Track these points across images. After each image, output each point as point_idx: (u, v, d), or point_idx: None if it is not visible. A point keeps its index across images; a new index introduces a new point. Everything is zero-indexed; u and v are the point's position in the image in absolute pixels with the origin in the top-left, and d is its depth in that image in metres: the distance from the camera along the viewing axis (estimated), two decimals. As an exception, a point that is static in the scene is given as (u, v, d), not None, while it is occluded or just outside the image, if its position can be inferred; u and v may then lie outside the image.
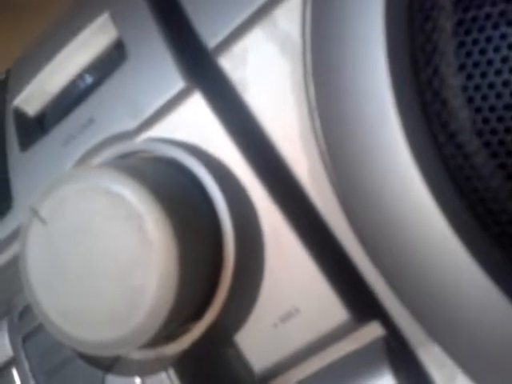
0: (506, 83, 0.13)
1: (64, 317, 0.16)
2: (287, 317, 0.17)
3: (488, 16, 0.13)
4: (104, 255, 0.15)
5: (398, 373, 0.16)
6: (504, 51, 0.12)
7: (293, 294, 0.17)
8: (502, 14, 0.13)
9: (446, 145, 0.13)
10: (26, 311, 0.19)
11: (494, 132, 0.13)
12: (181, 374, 0.17)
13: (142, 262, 0.15)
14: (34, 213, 0.16)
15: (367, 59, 0.13)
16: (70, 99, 0.21)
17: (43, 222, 0.16)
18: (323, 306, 0.17)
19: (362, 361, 0.17)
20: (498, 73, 0.13)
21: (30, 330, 0.19)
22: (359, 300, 0.17)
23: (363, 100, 0.13)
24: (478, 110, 0.13)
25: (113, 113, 0.19)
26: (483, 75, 0.13)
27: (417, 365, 0.16)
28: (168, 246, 0.14)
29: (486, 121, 0.13)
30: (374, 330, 0.17)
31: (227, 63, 0.17)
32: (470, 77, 0.13)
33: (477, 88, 0.13)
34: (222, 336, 0.17)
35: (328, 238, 0.17)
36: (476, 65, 0.13)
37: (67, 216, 0.15)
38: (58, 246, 0.16)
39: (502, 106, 0.13)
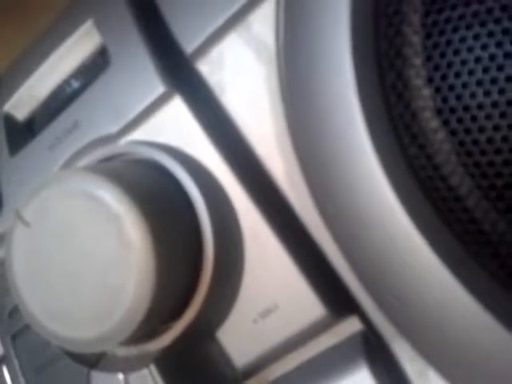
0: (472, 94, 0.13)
1: (49, 316, 0.16)
2: (267, 313, 0.18)
3: (447, 20, 0.13)
4: (85, 256, 0.16)
5: (375, 366, 0.17)
6: (463, 54, 0.13)
7: (272, 291, 0.18)
8: (461, 17, 0.13)
9: (409, 146, 0.14)
10: (15, 310, 0.20)
11: (453, 133, 0.13)
12: (162, 370, 0.18)
13: (121, 262, 0.15)
14: (19, 216, 0.16)
15: (334, 64, 0.14)
16: (57, 104, 0.22)
17: (27, 224, 0.16)
18: (301, 302, 0.17)
19: (340, 355, 0.18)
20: (458, 75, 0.13)
21: (19, 329, 0.20)
22: (337, 296, 0.17)
23: (331, 104, 0.14)
24: (440, 111, 0.13)
25: (96, 117, 0.19)
26: (444, 78, 0.13)
27: (392, 358, 0.17)
28: (145, 247, 0.15)
29: (446, 122, 0.13)
30: (352, 325, 0.18)
31: (205, 67, 0.18)
32: (430, 80, 0.13)
33: (437, 90, 0.13)
34: (203, 332, 0.18)
35: (305, 236, 0.17)
36: (437, 68, 0.13)
37: (50, 219, 0.16)
38: (41, 248, 0.16)
39: (462, 107, 0.13)
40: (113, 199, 0.15)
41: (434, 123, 0.13)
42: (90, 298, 0.16)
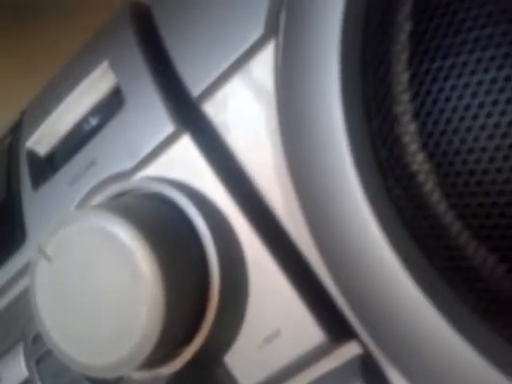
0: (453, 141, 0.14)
1: (69, 343, 0.18)
2: (270, 339, 0.19)
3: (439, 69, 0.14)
4: (102, 288, 0.17)
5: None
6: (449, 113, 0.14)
7: (275, 318, 0.19)
8: (452, 66, 0.14)
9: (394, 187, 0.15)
10: (39, 336, 0.21)
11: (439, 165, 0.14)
12: (175, 392, 0.19)
13: (134, 294, 0.16)
14: (41, 251, 0.18)
15: (325, 111, 0.15)
16: (77, 140, 0.23)
17: (49, 259, 0.18)
18: (302, 328, 0.18)
19: (339, 378, 0.19)
20: (449, 122, 0.14)
21: (43, 353, 0.21)
22: (337, 322, 0.18)
23: (323, 149, 0.15)
24: (425, 145, 0.14)
25: (112, 154, 0.21)
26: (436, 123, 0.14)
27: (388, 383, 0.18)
28: (156, 280, 0.16)
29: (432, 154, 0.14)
30: (351, 349, 0.19)
31: (210, 108, 0.19)
32: (417, 114, 0.14)
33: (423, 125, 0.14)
34: (211, 357, 0.19)
35: (305, 265, 0.18)
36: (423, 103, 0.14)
37: (69, 254, 0.17)
38: (62, 281, 0.18)
39: (453, 151, 0.14)
40: (125, 235, 0.17)
41: (416, 167, 0.14)
42: (106, 327, 0.17)
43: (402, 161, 0.15)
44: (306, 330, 0.18)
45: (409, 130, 0.15)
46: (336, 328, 0.18)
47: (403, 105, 0.15)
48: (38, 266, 0.18)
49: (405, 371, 0.15)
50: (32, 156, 0.24)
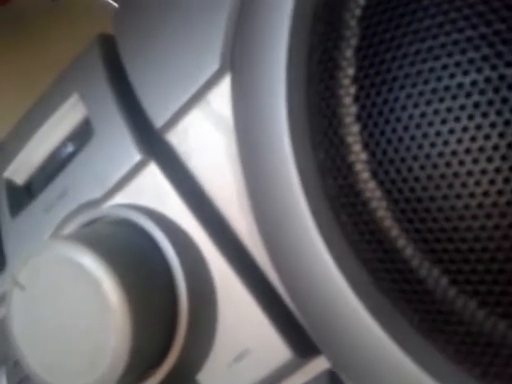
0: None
1: (44, 369, 0.18)
2: (240, 357, 0.19)
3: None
4: (72, 316, 0.18)
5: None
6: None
7: (243, 337, 0.19)
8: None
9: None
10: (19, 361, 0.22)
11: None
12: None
13: (101, 322, 0.17)
14: (14, 280, 0.19)
15: (274, 140, 0.16)
16: (53, 168, 0.24)
17: (22, 287, 0.19)
18: (270, 346, 0.19)
19: (308, 395, 0.19)
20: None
21: (24, 377, 0.22)
22: (304, 339, 0.19)
23: (274, 177, 0.16)
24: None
25: (82, 184, 0.21)
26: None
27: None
28: (122, 310, 0.17)
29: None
30: (319, 364, 0.19)
31: (173, 138, 0.20)
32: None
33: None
34: (183, 376, 0.20)
35: (270, 286, 0.19)
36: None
37: (41, 282, 0.18)
38: (35, 309, 0.18)
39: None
40: (92, 265, 0.17)
41: (368, 194, 0.15)
42: (77, 353, 0.18)
43: (353, 188, 0.15)
44: (274, 348, 0.19)
45: (359, 159, 0.16)
46: (303, 345, 0.19)
47: (352, 136, 0.16)
48: (12, 295, 0.19)
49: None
50: (10, 185, 0.25)
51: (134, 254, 0.19)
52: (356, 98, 0.16)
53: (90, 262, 0.17)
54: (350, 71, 0.16)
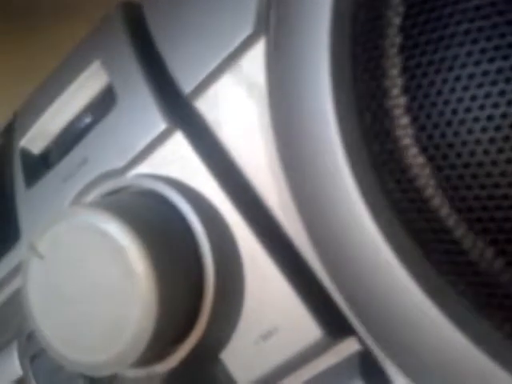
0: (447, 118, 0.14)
1: (62, 342, 0.18)
2: (267, 335, 0.19)
3: (430, 63, 0.14)
4: (94, 286, 0.17)
5: (370, 385, 0.18)
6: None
7: (272, 314, 0.18)
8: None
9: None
10: (33, 334, 0.21)
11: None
12: (170, 390, 0.19)
13: (126, 291, 0.16)
14: (33, 249, 0.18)
15: (316, 106, 0.15)
16: (71, 138, 0.23)
17: (41, 256, 0.18)
18: (300, 324, 0.18)
19: (338, 375, 0.18)
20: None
21: (37, 351, 0.21)
22: (335, 318, 0.18)
23: (314, 145, 0.15)
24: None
25: (104, 153, 0.20)
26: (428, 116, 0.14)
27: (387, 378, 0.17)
28: (148, 277, 0.16)
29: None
30: (350, 346, 0.19)
31: (202, 106, 0.19)
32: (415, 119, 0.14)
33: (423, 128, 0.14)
34: (207, 354, 0.19)
35: (302, 262, 0.18)
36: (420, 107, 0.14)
37: (61, 251, 0.17)
38: (54, 279, 0.18)
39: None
40: (117, 232, 0.17)
41: (409, 161, 0.14)
42: (99, 325, 0.17)
43: (396, 155, 0.15)
44: (304, 327, 0.18)
45: (401, 124, 0.15)
46: (334, 324, 0.18)
47: (394, 99, 0.15)
48: (30, 264, 0.18)
49: (403, 368, 0.15)
50: (26, 155, 0.24)
51: (159, 224, 0.18)
52: (399, 59, 0.15)
53: (116, 230, 0.17)
54: (397, 40, 0.15)
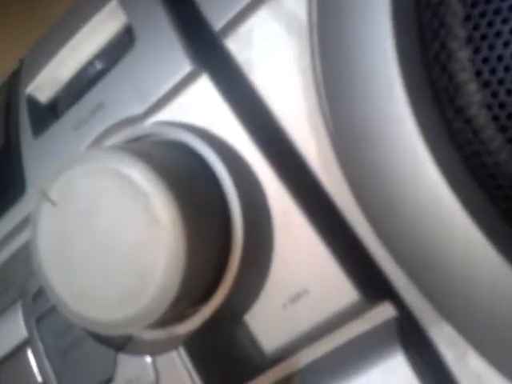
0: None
1: (76, 298, 0.16)
2: (297, 297, 0.17)
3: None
4: (113, 235, 0.15)
5: (410, 353, 0.16)
6: (512, 23, 0.12)
7: (302, 275, 0.17)
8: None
9: (454, 120, 0.13)
10: (40, 293, 0.20)
11: (502, 105, 0.12)
12: (191, 352, 0.17)
13: (150, 241, 0.15)
14: (44, 195, 0.16)
15: (374, 36, 0.13)
16: (81, 86, 0.22)
17: (53, 203, 0.16)
18: (333, 286, 0.17)
19: (373, 342, 0.17)
20: (506, 45, 0.12)
21: (44, 312, 0.19)
22: (370, 280, 0.17)
23: (370, 78, 0.13)
24: (486, 84, 0.13)
25: (121, 97, 0.19)
26: (491, 48, 0.13)
27: (428, 344, 0.16)
28: (175, 226, 0.15)
29: (494, 94, 0.12)
30: (385, 311, 0.17)
31: (233, 45, 0.17)
32: (477, 50, 0.13)
33: (485, 61, 0.13)
34: (231, 316, 0.17)
35: (337, 218, 0.17)
36: (483, 37, 0.13)
37: (76, 197, 0.16)
38: (67, 227, 0.16)
39: (511, 79, 0.12)
40: (141, 177, 0.15)
41: (479, 96, 0.13)
42: (118, 278, 0.15)
43: (456, 88, 0.13)
44: (337, 289, 0.17)
45: (460, 57, 0.13)
46: (370, 287, 0.17)
47: (455, 29, 0.13)
48: (40, 212, 0.16)
49: (457, 324, 0.13)
50: (32, 103, 0.22)
51: (185, 171, 0.16)
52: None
53: (139, 174, 0.15)
54: None
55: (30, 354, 0.20)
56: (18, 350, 0.20)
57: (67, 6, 0.24)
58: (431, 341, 0.16)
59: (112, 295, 0.15)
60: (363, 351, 0.17)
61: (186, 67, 0.18)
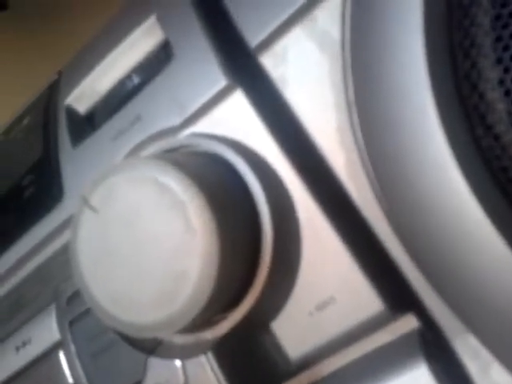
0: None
1: (111, 300, 0.17)
2: (323, 306, 0.18)
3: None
4: (150, 241, 0.16)
5: (433, 364, 0.17)
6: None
7: (329, 284, 0.18)
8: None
9: (483, 137, 0.14)
10: (74, 297, 0.20)
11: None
12: (219, 357, 0.18)
13: (186, 247, 0.15)
14: (85, 201, 0.17)
15: (406, 56, 0.14)
16: (119, 98, 0.22)
17: (94, 210, 0.17)
18: (359, 296, 0.17)
19: (396, 352, 0.17)
20: (534, 66, 0.13)
21: (77, 315, 0.20)
22: (394, 291, 0.17)
23: (402, 96, 0.14)
24: (514, 102, 0.13)
25: (159, 110, 0.20)
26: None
27: (451, 356, 0.16)
28: (210, 233, 0.15)
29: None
30: (409, 322, 0.18)
31: (268, 61, 0.18)
32: (507, 70, 0.13)
33: (513, 81, 0.13)
34: (259, 322, 0.18)
35: (364, 229, 0.17)
36: (513, 58, 0.13)
37: (117, 204, 0.16)
38: (107, 233, 0.17)
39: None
40: (178, 186, 0.16)
41: (508, 114, 0.13)
42: (154, 283, 0.16)
43: (487, 106, 0.14)
44: (363, 298, 0.17)
45: (491, 77, 0.14)
46: (395, 297, 0.17)
47: (486, 49, 0.14)
48: (81, 217, 0.17)
49: (484, 336, 0.14)
50: (71, 113, 0.23)
51: (218, 182, 0.17)
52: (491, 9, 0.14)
53: (177, 183, 0.16)
54: None
55: (62, 356, 0.21)
56: (51, 352, 0.21)
57: (93, 22, 0.25)
58: (455, 352, 0.16)
59: (147, 299, 0.16)
60: (387, 361, 0.17)
61: (222, 82, 0.19)
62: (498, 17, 0.13)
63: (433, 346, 0.17)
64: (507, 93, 0.13)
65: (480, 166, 0.13)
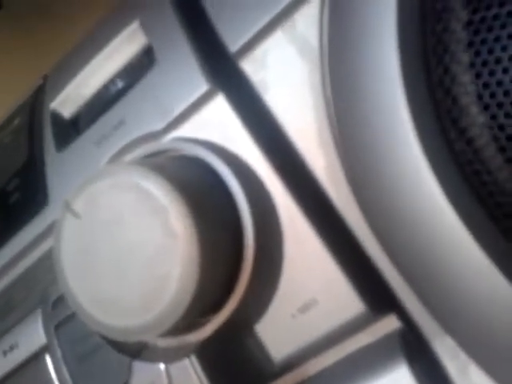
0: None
1: (95, 305, 0.17)
2: (306, 308, 0.18)
3: (496, 17, 0.13)
4: (133, 246, 0.16)
5: (414, 365, 0.17)
6: (511, 50, 0.13)
7: (311, 286, 0.18)
8: (510, 14, 0.13)
9: (456, 141, 0.14)
10: (59, 301, 0.21)
11: (501, 127, 0.13)
12: (203, 360, 0.18)
13: (167, 252, 0.15)
14: (68, 207, 0.17)
15: (381, 61, 0.14)
16: (103, 102, 0.23)
17: (76, 215, 0.17)
18: (340, 298, 0.17)
19: (378, 353, 0.18)
20: (506, 71, 0.13)
21: (63, 319, 0.20)
22: (375, 292, 0.18)
23: (377, 99, 0.14)
24: (487, 107, 0.13)
25: (142, 114, 0.20)
26: (491, 73, 0.13)
27: (431, 357, 0.17)
28: (190, 238, 0.15)
29: (493, 117, 0.13)
30: (390, 323, 0.18)
31: (248, 66, 0.18)
32: (478, 75, 0.13)
33: (485, 85, 0.13)
34: (242, 325, 0.18)
35: (344, 230, 0.17)
36: (485, 63, 0.13)
37: (99, 210, 0.17)
38: (90, 238, 0.17)
39: (510, 102, 0.13)
40: (158, 191, 0.16)
41: (480, 118, 0.13)
42: (136, 287, 0.16)
43: (459, 111, 0.14)
44: (345, 300, 0.17)
45: (463, 81, 0.14)
46: (376, 298, 0.17)
47: (459, 55, 0.14)
48: (64, 223, 0.17)
49: (458, 337, 0.14)
50: (56, 118, 0.23)
51: (201, 186, 0.17)
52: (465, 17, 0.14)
53: (158, 189, 0.16)
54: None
55: (48, 360, 0.21)
56: (37, 356, 0.21)
57: (89, 25, 0.25)
58: (435, 353, 0.16)
59: (129, 302, 0.16)
60: (369, 362, 0.18)
61: (203, 87, 0.19)
62: (469, 23, 0.13)
63: (414, 346, 0.17)
64: (479, 97, 0.13)
65: (453, 170, 0.13)
